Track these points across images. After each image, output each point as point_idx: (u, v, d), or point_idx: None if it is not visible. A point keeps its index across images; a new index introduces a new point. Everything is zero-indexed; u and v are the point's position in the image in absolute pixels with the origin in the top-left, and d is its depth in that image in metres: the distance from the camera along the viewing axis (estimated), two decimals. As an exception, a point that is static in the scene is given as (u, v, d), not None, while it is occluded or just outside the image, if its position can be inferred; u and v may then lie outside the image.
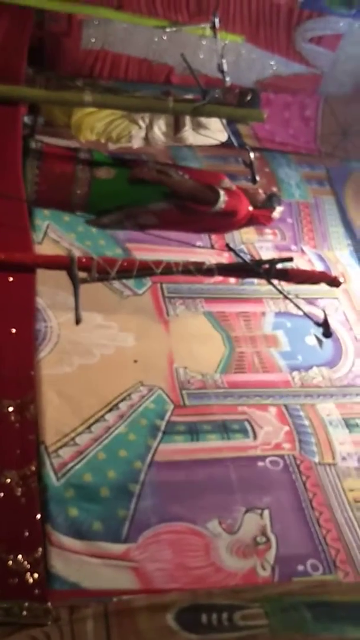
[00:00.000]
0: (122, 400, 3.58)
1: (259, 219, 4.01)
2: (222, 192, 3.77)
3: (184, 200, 3.78)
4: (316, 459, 3.69)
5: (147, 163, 4.01)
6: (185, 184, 3.82)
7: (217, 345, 4.12)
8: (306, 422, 3.85)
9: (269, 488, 3.48)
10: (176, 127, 4.69)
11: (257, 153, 4.08)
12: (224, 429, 3.68)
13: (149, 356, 3.84)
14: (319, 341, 3.27)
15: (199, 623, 2.53)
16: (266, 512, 3.36)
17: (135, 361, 3.78)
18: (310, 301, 4.05)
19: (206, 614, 2.56)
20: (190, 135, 4.75)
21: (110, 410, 3.51)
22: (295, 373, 4.14)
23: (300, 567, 3.20)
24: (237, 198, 3.86)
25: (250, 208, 3.93)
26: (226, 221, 3.91)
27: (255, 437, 3.69)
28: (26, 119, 4.12)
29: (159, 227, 3.85)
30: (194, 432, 3.61)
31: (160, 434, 3.52)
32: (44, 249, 3.99)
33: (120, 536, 3.06)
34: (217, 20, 4.10)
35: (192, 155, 5.15)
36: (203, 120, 4.59)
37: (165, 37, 4.82)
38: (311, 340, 3.86)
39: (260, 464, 3.58)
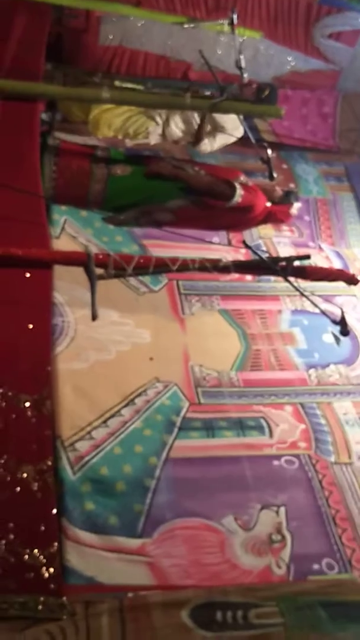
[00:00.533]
0: (138, 396, 3.59)
1: (277, 214, 3.99)
2: (238, 187, 3.76)
3: (200, 195, 3.77)
4: (332, 459, 3.67)
5: (163, 159, 4.01)
6: (202, 178, 3.81)
7: (233, 342, 4.11)
8: (322, 421, 3.83)
9: (284, 486, 3.47)
10: (196, 138, 4.66)
11: (274, 151, 4.04)
12: (240, 425, 3.68)
13: (165, 353, 3.84)
14: (337, 339, 3.25)
15: (213, 620, 2.53)
16: (282, 510, 3.35)
17: (151, 359, 3.78)
18: (328, 298, 4.02)
19: (221, 612, 2.55)
20: (208, 145, 4.72)
21: (127, 405, 3.53)
22: (312, 371, 4.12)
23: (316, 566, 3.19)
24: (253, 193, 3.85)
25: (268, 204, 3.91)
26: (243, 217, 3.90)
27: (271, 434, 3.68)
28: (44, 116, 4.12)
29: (175, 224, 3.85)
30: (209, 428, 3.61)
31: (176, 430, 3.53)
32: (61, 243, 4.01)
33: (136, 531, 3.08)
34: (235, 16, 4.09)
35: (211, 155, 5.14)
36: (219, 121, 4.56)
37: (183, 34, 4.80)
38: (328, 338, 3.84)
39: (275, 462, 3.57)
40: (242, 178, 3.94)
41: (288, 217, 4.05)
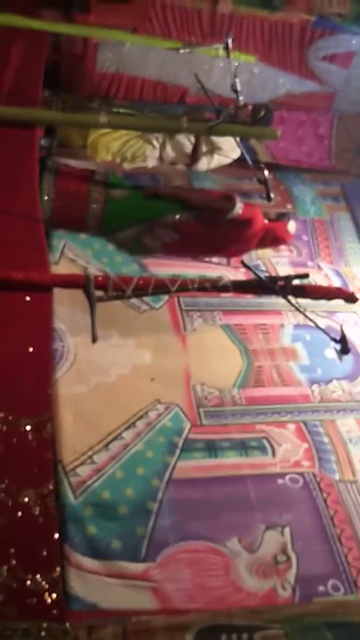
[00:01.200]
0: (139, 419, 3.57)
1: (276, 231, 4.01)
2: (237, 200, 3.81)
3: (200, 210, 3.80)
4: (336, 477, 3.65)
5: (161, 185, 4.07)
6: (200, 195, 3.86)
7: (235, 359, 4.10)
8: (325, 440, 3.81)
9: (289, 505, 3.44)
10: (193, 159, 4.73)
11: (271, 172, 4.08)
12: (243, 446, 3.66)
13: (166, 373, 3.83)
14: (339, 354, 3.25)
15: (219, 644, 2.51)
16: (287, 530, 3.32)
17: (152, 379, 3.78)
18: (329, 314, 4.02)
19: (226, 635, 2.53)
20: (205, 164, 4.79)
21: (128, 428, 3.51)
22: (314, 386, 4.10)
23: (321, 588, 3.15)
24: (252, 208, 3.90)
25: (266, 221, 3.95)
26: (245, 232, 3.90)
27: (274, 454, 3.66)
28: (43, 142, 4.17)
29: (179, 242, 3.87)
30: (212, 449, 3.59)
31: (178, 451, 3.51)
32: (61, 268, 4.02)
33: (139, 555, 3.04)
34: (230, 40, 4.14)
35: (207, 176, 5.19)
36: (216, 142, 4.62)
37: (179, 59, 4.88)
38: (331, 353, 3.83)
39: (279, 481, 3.55)
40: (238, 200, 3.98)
41: (287, 234, 4.07)
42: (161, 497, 3.27)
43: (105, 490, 3.20)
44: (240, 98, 3.96)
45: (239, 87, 3.95)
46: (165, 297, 4.16)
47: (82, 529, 3.03)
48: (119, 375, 3.74)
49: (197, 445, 3.58)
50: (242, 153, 4.34)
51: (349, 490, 3.60)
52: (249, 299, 4.34)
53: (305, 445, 3.75)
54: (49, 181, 3.79)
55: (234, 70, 3.98)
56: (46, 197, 3.76)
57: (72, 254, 4.21)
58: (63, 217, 3.86)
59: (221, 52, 4.40)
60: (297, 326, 4.37)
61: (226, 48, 4.16)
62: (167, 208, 3.83)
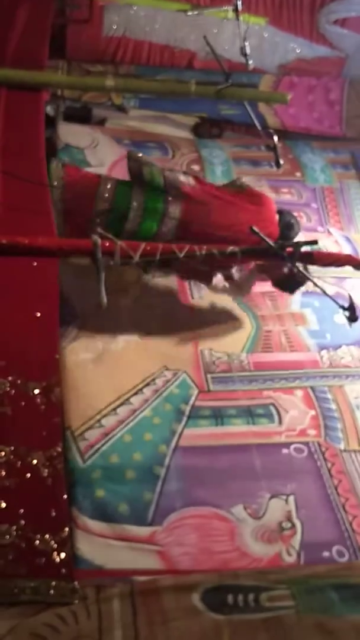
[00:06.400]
0: (146, 385, 3.58)
1: None
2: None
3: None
4: (342, 446, 3.63)
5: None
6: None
7: (244, 323, 4.08)
8: (333, 406, 3.79)
9: (294, 475, 3.44)
10: None
11: (280, 140, 4.00)
12: (249, 413, 3.65)
13: (174, 339, 3.83)
14: (348, 321, 3.24)
15: (224, 603, 2.52)
16: (291, 498, 3.33)
17: (159, 348, 3.75)
18: (338, 280, 3.98)
19: (232, 595, 2.55)
20: None
21: (135, 394, 3.51)
22: (323, 352, 4.07)
23: (326, 554, 3.16)
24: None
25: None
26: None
27: (280, 422, 3.65)
28: (48, 108, 4.12)
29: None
30: (218, 416, 3.59)
31: (185, 419, 3.51)
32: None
33: (145, 519, 3.06)
34: (239, 2, 4.06)
35: (215, 144, 5.14)
36: None
37: (187, 22, 4.79)
38: (340, 319, 3.80)
39: (284, 451, 3.54)
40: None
41: None
42: (168, 463, 3.28)
43: (113, 454, 3.22)
44: (250, 62, 3.89)
45: (248, 51, 3.88)
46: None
47: (90, 492, 3.05)
48: (126, 341, 3.74)
49: (204, 412, 3.58)
50: (252, 119, 4.27)
51: (353, 460, 3.59)
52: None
53: (312, 412, 3.74)
54: (57, 166, 3.64)
55: (243, 34, 3.91)
56: (55, 183, 3.56)
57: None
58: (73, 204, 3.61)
59: (230, 14, 4.32)
60: (305, 293, 4.28)
61: (235, 10, 4.09)
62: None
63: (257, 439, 3.55)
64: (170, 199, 3.60)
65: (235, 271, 3.72)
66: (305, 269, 3.47)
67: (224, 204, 3.65)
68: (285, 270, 3.52)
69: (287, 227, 3.78)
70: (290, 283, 3.71)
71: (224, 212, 3.64)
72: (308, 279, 3.27)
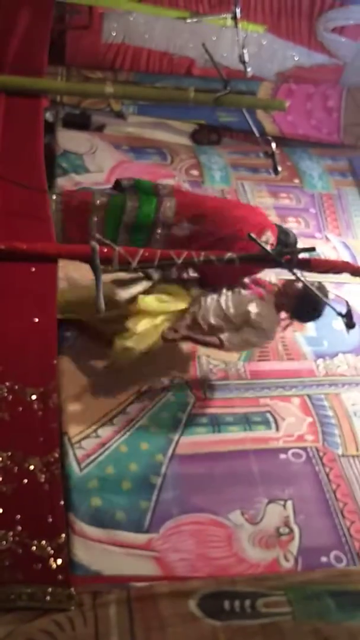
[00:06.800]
0: (143, 393, 3.58)
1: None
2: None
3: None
4: (340, 451, 3.65)
5: None
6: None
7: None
8: (330, 413, 3.81)
9: (291, 479, 3.45)
10: None
11: (278, 147, 4.01)
12: (246, 420, 3.66)
13: (172, 347, 3.81)
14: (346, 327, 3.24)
15: (221, 609, 2.53)
16: (289, 503, 3.34)
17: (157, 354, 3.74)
18: (337, 286, 3.98)
19: (229, 601, 2.55)
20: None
21: (132, 403, 3.52)
22: (320, 361, 4.10)
23: (324, 559, 3.17)
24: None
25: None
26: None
27: (277, 428, 3.67)
28: (47, 114, 4.13)
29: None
30: (215, 424, 3.60)
31: (181, 427, 3.51)
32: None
33: (142, 526, 3.07)
34: (238, 10, 4.07)
35: (214, 150, 5.16)
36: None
37: (186, 29, 4.81)
38: (338, 325, 3.80)
39: (282, 456, 3.56)
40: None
41: None
42: (165, 472, 3.29)
43: (109, 465, 3.23)
44: (249, 69, 3.91)
45: (246, 59, 3.89)
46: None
47: (86, 500, 3.06)
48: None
49: (201, 420, 3.59)
50: (249, 125, 4.28)
51: (351, 464, 3.61)
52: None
53: (310, 419, 3.75)
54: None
55: (242, 41, 3.92)
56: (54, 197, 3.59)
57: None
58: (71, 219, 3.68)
59: (229, 22, 4.34)
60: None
61: (234, 18, 4.10)
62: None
63: (254, 444, 3.56)
64: (163, 196, 3.68)
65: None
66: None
67: (217, 198, 3.77)
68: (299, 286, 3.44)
69: (284, 233, 3.79)
70: (305, 308, 3.56)
71: (219, 203, 3.72)
72: (307, 286, 3.26)
